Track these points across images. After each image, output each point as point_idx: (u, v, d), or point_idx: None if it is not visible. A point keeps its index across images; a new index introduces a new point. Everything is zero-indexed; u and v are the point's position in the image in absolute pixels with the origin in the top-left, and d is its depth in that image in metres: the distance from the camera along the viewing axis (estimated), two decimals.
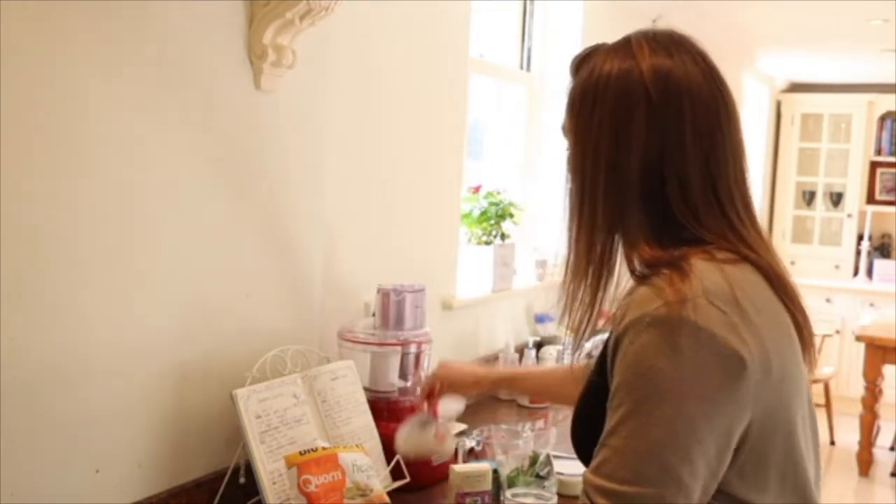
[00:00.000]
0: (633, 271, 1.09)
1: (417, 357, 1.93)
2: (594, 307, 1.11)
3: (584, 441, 1.08)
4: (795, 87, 7.05)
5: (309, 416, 1.63)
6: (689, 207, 1.05)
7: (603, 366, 1.06)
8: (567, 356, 2.65)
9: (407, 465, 1.76)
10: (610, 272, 1.11)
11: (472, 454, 1.87)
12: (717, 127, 1.08)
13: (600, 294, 1.10)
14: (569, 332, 1.15)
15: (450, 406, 1.69)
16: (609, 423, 0.98)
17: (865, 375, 4.91)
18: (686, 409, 0.94)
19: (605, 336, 1.11)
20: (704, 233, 1.04)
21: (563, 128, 1.18)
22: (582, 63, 1.14)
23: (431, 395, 1.67)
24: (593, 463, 0.98)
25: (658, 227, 1.06)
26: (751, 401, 0.97)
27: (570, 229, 1.16)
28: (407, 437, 1.65)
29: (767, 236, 1.12)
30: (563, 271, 1.16)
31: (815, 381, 5.43)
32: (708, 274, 0.99)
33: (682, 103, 1.06)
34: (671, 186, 1.05)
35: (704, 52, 1.12)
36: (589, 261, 1.12)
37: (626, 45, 1.10)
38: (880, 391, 4.95)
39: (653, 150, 1.05)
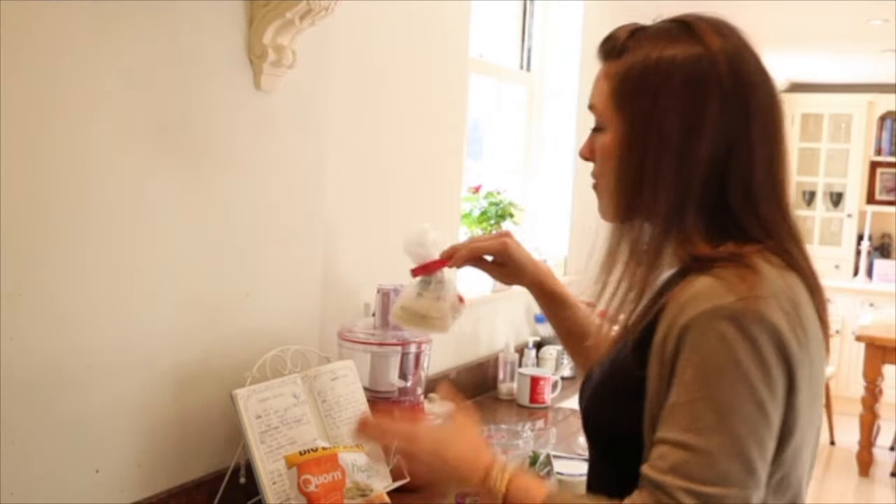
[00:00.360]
0: (682, 261, 1.05)
1: (417, 357, 1.93)
2: (640, 299, 1.06)
3: (603, 426, 1.10)
4: (795, 87, 7.05)
5: (309, 416, 1.63)
6: (749, 202, 1.04)
7: (643, 357, 1.01)
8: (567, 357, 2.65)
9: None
10: (661, 262, 1.07)
11: None
12: (780, 121, 1.08)
13: (650, 283, 1.07)
14: (604, 319, 1.13)
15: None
16: (679, 418, 0.94)
17: (865, 375, 4.91)
18: (764, 407, 0.93)
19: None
20: (759, 231, 1.03)
21: (596, 106, 1.11)
22: (628, 43, 1.08)
23: (452, 257, 1.45)
24: (666, 462, 0.93)
25: (711, 221, 1.04)
26: (802, 405, 0.98)
27: (620, 212, 1.10)
28: (406, 299, 1.45)
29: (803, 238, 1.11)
30: (607, 259, 1.10)
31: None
32: (774, 277, 0.99)
33: (751, 94, 1.05)
34: (734, 178, 1.03)
35: (753, 42, 1.11)
36: (641, 249, 1.07)
37: (686, 29, 1.07)
38: (880, 391, 4.95)
39: (721, 141, 1.03)
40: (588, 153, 1.13)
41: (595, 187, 1.14)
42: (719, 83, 1.03)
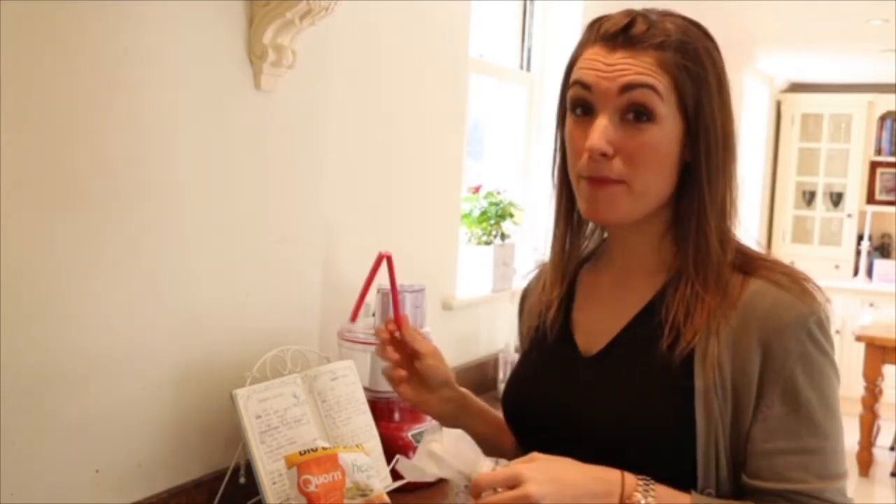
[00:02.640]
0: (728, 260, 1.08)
1: None
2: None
3: (643, 437, 1.04)
4: (795, 87, 7.05)
5: (309, 416, 1.63)
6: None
7: (689, 367, 1.03)
8: None
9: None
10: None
11: None
12: None
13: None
14: None
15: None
16: (802, 422, 1.00)
17: (865, 375, 4.91)
18: (838, 404, 1.05)
19: None
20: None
21: (656, 91, 1.03)
22: (674, 34, 1.04)
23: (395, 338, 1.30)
24: (801, 467, 1.00)
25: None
26: None
27: (646, 213, 1.09)
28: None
29: None
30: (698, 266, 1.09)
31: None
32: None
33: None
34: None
35: None
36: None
37: (700, 27, 1.10)
38: (880, 391, 4.95)
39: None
40: (610, 147, 1.03)
41: (608, 185, 1.05)
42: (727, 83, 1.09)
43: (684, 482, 1.01)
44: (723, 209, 1.07)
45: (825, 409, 1.01)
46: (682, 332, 1.04)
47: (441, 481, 1.80)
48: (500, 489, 0.97)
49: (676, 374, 1.03)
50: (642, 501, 0.97)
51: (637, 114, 1.03)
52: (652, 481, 0.99)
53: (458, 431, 1.11)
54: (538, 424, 1.16)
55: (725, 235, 1.08)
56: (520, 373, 1.27)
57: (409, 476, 1.11)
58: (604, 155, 1.03)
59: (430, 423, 1.15)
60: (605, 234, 1.21)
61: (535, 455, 1.01)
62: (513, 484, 0.96)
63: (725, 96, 1.06)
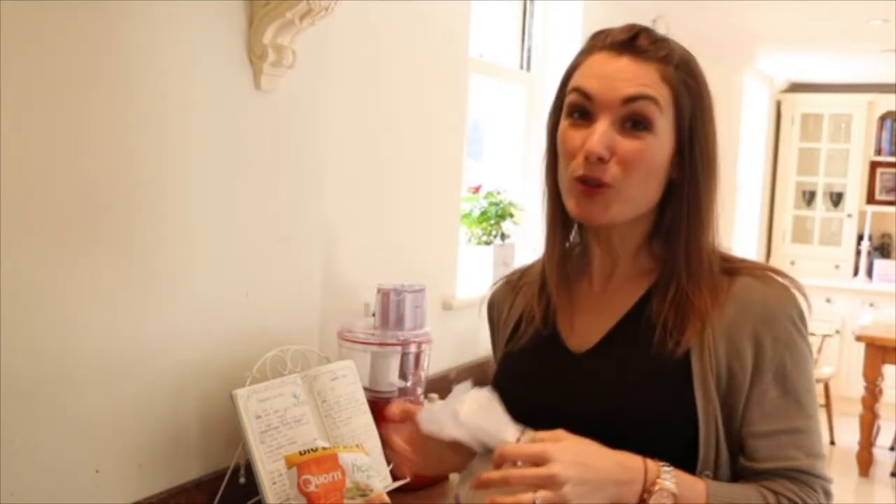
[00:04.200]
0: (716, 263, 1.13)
1: (417, 357, 1.93)
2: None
3: (644, 424, 1.07)
4: (795, 87, 7.05)
5: (309, 416, 1.63)
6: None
7: (686, 358, 1.08)
8: None
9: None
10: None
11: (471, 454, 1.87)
12: None
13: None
14: None
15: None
16: (791, 405, 1.07)
17: (865, 375, 4.91)
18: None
19: None
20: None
21: (656, 103, 1.06)
22: (675, 51, 1.10)
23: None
24: (803, 449, 1.07)
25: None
26: None
27: (634, 216, 1.12)
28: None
29: None
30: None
31: (816, 381, 5.42)
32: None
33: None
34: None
35: None
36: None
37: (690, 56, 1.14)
38: (880, 391, 4.95)
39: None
40: (608, 152, 1.05)
41: (600, 188, 1.06)
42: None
43: (684, 469, 1.04)
44: (710, 221, 1.13)
45: (809, 392, 1.09)
46: (677, 328, 1.08)
47: (443, 480, 1.80)
48: (521, 463, 0.95)
49: (674, 365, 1.07)
50: (667, 486, 0.98)
51: (635, 122, 1.06)
52: (672, 467, 1.01)
53: (487, 394, 1.07)
54: (533, 423, 1.15)
55: (712, 246, 1.13)
56: (509, 373, 1.25)
57: (426, 426, 1.06)
58: (600, 159, 1.05)
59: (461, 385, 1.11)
60: (580, 238, 1.22)
61: (561, 434, 1.00)
62: (538, 462, 0.95)
63: (714, 119, 1.13)
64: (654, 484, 0.98)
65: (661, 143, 1.07)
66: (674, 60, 1.08)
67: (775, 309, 1.08)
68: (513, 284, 1.29)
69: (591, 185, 1.06)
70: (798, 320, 1.09)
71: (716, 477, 1.06)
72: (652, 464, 1.00)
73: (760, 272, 1.12)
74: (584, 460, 0.96)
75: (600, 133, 1.05)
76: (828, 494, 1.08)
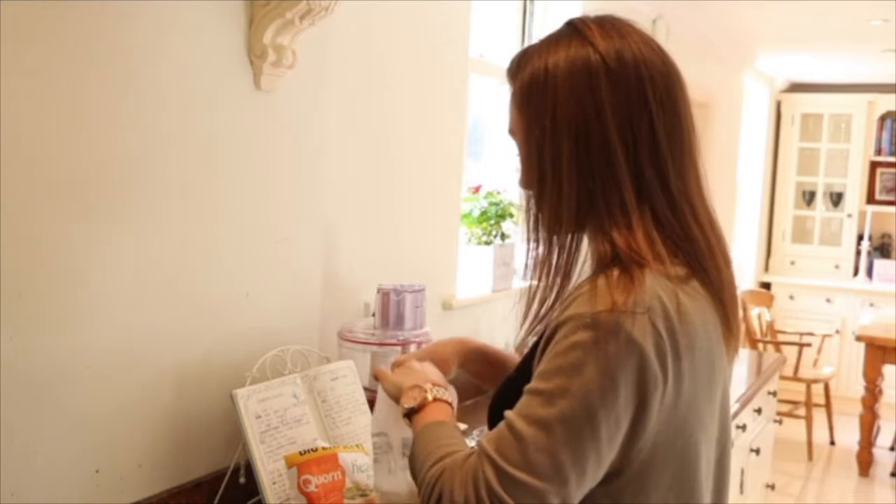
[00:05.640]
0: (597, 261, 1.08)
1: None
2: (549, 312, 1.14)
3: (494, 416, 1.09)
4: (795, 87, 7.05)
5: (309, 416, 1.63)
6: (659, 175, 1.05)
7: (528, 362, 1.09)
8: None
9: None
10: (571, 272, 1.13)
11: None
12: (679, 98, 1.09)
13: (557, 296, 1.12)
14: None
15: None
16: (522, 403, 1.00)
17: (865, 375, 4.91)
18: (595, 417, 0.96)
19: None
20: (675, 226, 1.05)
21: (512, 129, 1.19)
22: (521, 64, 1.16)
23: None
24: (494, 433, 1.01)
25: (626, 213, 1.05)
26: (651, 426, 0.99)
27: (567, 224, 1.13)
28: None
29: (718, 225, 1.12)
30: (536, 272, 1.16)
31: (815, 381, 5.44)
32: (657, 291, 1.00)
33: (641, 72, 1.06)
34: (645, 171, 1.05)
35: (650, 36, 1.13)
36: (559, 258, 1.14)
37: (570, 32, 1.15)
38: (880, 391, 4.96)
39: (621, 116, 1.05)
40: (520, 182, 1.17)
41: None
42: (605, 65, 1.07)
43: None
44: (585, 205, 1.12)
45: (543, 404, 1.01)
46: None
47: None
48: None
49: (515, 370, 1.23)
50: (427, 396, 1.18)
51: None
52: (448, 400, 1.19)
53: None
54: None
55: (594, 225, 1.12)
56: None
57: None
58: (525, 188, 1.24)
59: None
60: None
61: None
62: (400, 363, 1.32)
63: (562, 96, 1.12)
64: (425, 391, 1.18)
65: (522, 136, 1.21)
66: (514, 75, 1.16)
67: (578, 309, 1.00)
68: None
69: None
70: (591, 331, 0.98)
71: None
72: (437, 387, 1.19)
73: (613, 271, 1.04)
74: (413, 368, 1.26)
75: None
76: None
